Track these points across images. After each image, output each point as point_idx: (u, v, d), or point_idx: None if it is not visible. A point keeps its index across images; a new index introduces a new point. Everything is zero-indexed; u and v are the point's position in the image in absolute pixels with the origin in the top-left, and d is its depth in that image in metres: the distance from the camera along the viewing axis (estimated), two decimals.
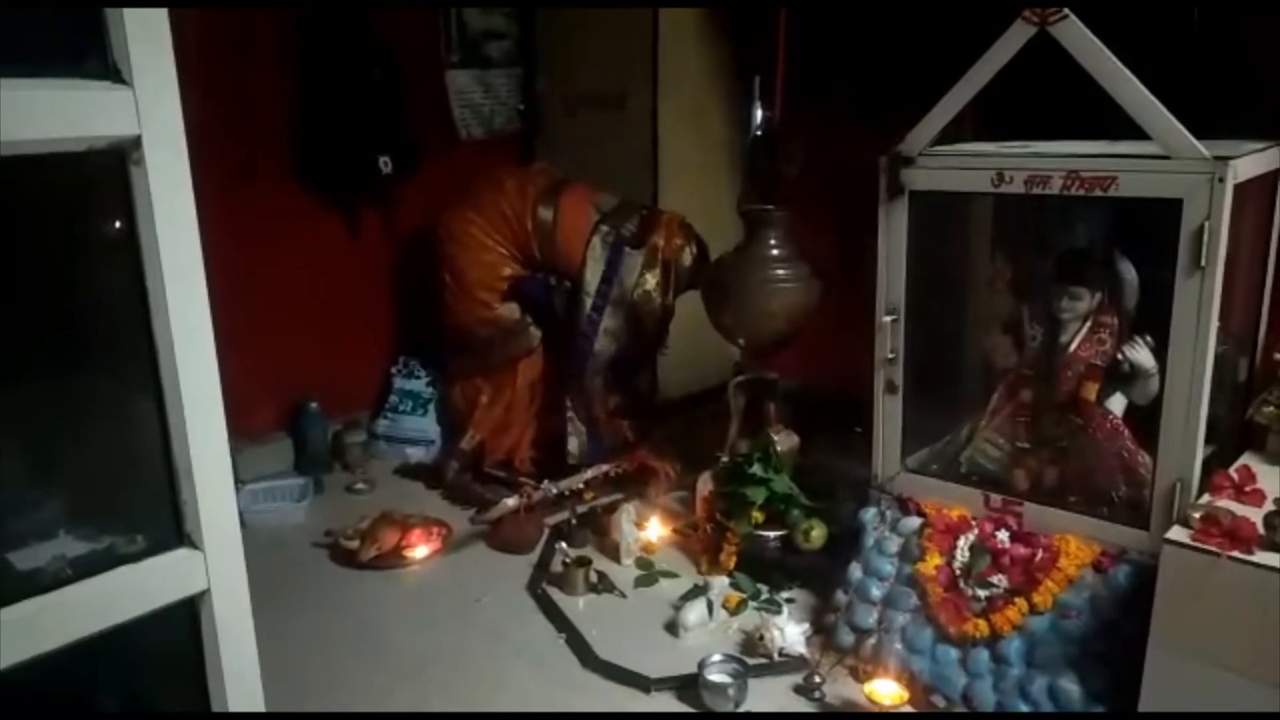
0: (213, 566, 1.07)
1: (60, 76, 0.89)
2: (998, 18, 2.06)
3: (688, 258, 3.20)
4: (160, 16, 0.92)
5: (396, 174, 3.55)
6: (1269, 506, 1.82)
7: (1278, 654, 1.68)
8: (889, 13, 3.14)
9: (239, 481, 3.15)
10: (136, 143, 0.93)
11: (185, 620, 1.09)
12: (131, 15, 0.90)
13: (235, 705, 1.12)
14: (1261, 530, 1.76)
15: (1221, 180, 1.82)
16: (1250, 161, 1.97)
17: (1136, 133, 1.93)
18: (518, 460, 3.44)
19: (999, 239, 2.56)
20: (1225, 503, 1.91)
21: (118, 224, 0.97)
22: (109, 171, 0.94)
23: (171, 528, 1.06)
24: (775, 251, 2.81)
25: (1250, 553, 1.73)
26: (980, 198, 2.35)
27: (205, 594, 1.08)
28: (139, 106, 0.91)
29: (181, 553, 1.06)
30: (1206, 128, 1.91)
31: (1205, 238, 1.84)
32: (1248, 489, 1.96)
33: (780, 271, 2.78)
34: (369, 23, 3.44)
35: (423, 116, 3.69)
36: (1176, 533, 1.83)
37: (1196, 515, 1.83)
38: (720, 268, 2.89)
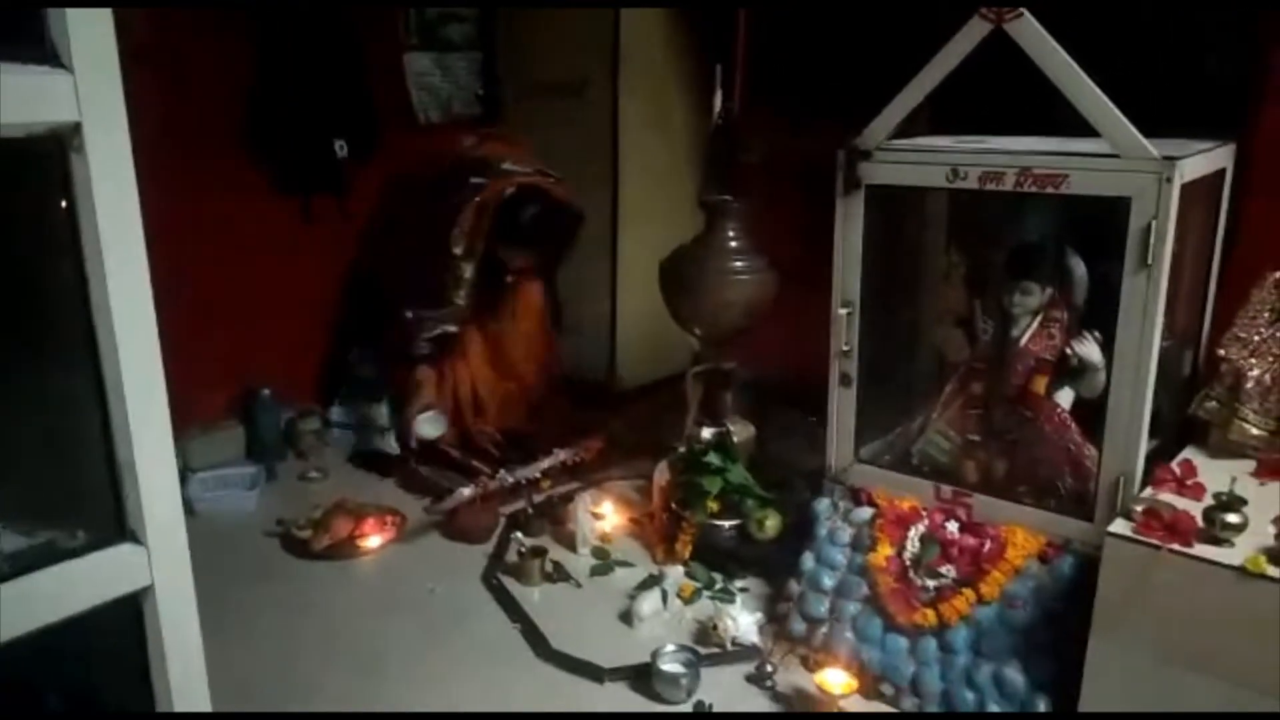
0: (156, 562, 1.06)
1: None
2: (956, 14, 2.08)
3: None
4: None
5: (353, 158, 3.50)
6: (1209, 501, 1.87)
7: (1215, 646, 1.72)
8: (850, 5, 3.15)
9: (189, 469, 3.10)
10: (76, 129, 0.90)
11: (128, 616, 1.07)
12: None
13: (180, 701, 1.11)
14: (1201, 524, 1.80)
15: (1169, 180, 1.86)
16: (1197, 161, 2.01)
17: (1089, 130, 1.96)
18: (481, 439, 3.43)
19: (953, 233, 2.59)
20: (1167, 496, 1.95)
21: (57, 212, 0.95)
22: (48, 158, 0.91)
23: (113, 523, 1.04)
24: (734, 243, 2.81)
25: (1189, 545, 1.77)
26: (935, 192, 2.38)
27: (149, 590, 1.06)
28: (79, 92, 0.89)
29: (124, 548, 1.05)
30: (1156, 125, 1.95)
31: (1152, 236, 1.88)
32: (1189, 483, 2.00)
33: (738, 263, 2.79)
34: (326, 2, 3.38)
35: (380, 99, 3.64)
36: (1119, 525, 1.87)
37: (1139, 508, 1.87)
38: (678, 258, 2.89)
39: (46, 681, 1.14)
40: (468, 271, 3.24)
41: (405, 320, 3.30)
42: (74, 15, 0.87)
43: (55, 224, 0.96)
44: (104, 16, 0.90)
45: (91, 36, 0.89)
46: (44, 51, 0.88)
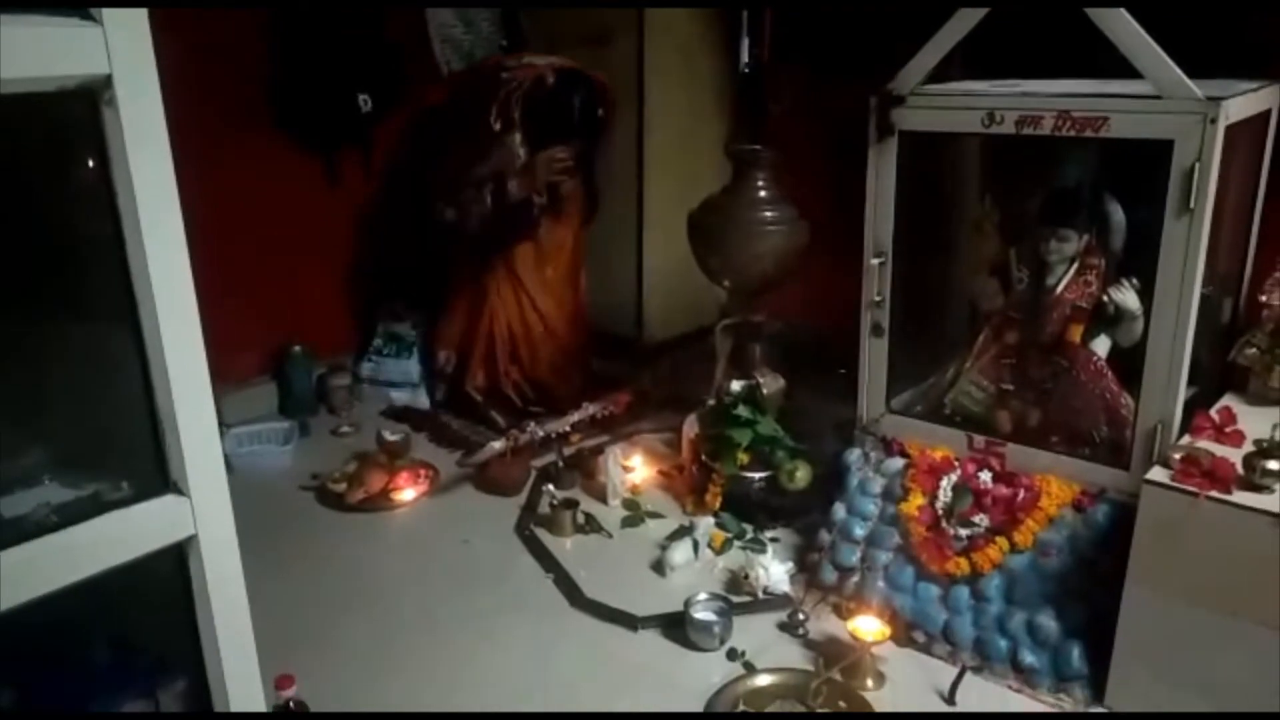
0: (199, 512, 1.07)
1: (25, 12, 0.85)
2: None
3: None
4: None
5: (377, 111, 3.48)
6: (1248, 448, 1.84)
7: (1253, 592, 1.71)
8: None
9: (224, 425, 3.14)
10: (107, 82, 0.90)
11: (174, 566, 1.09)
12: None
13: (226, 649, 1.13)
14: (1240, 471, 1.78)
15: (1213, 121, 1.81)
16: (1242, 102, 1.95)
17: (1128, 71, 1.91)
18: (507, 385, 3.44)
19: (987, 180, 2.54)
20: (1205, 444, 1.93)
21: (92, 167, 0.95)
22: (81, 112, 0.91)
23: (157, 474, 1.06)
24: (763, 193, 2.77)
25: (1229, 493, 1.75)
26: (970, 138, 2.33)
27: (193, 539, 1.08)
28: (109, 44, 0.88)
29: (168, 499, 1.06)
30: (1198, 66, 1.89)
31: (1195, 179, 1.84)
32: (1228, 430, 1.98)
33: (768, 213, 2.75)
34: None
35: (403, 52, 3.60)
36: (1156, 473, 1.85)
37: (1177, 456, 1.85)
38: (707, 209, 2.86)
39: (95, 630, 1.16)
40: (517, 144, 3.15)
41: (464, 190, 3.17)
42: None
43: (90, 179, 0.96)
44: None
45: None
46: (72, 2, 0.88)
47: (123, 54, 0.90)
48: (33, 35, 0.85)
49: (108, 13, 0.88)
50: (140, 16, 0.91)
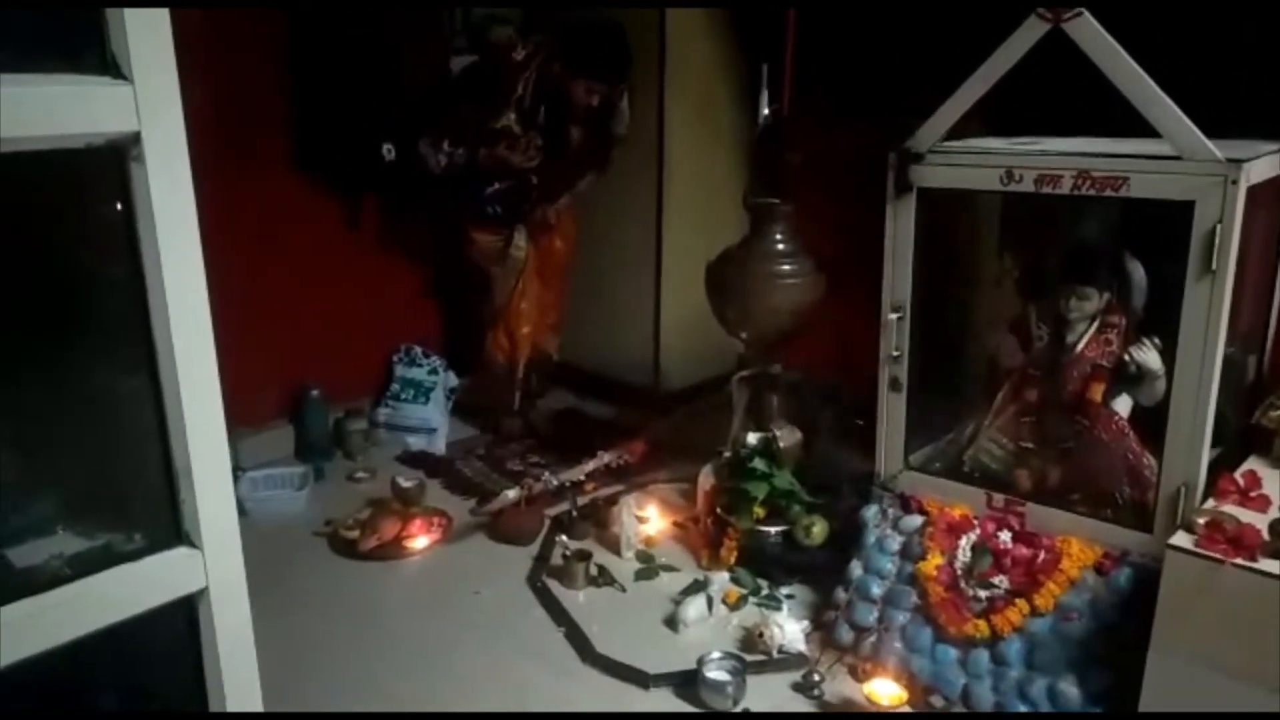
0: (211, 565, 1.07)
1: (58, 72, 0.87)
2: (1011, 12, 2.04)
3: None
4: (161, 12, 0.90)
5: (401, 161, 3.52)
6: (1273, 513, 1.81)
7: (1279, 661, 1.67)
8: (900, 4, 3.10)
9: (239, 469, 3.14)
10: (136, 139, 0.91)
11: (184, 618, 1.08)
12: (131, 10, 0.88)
13: (233, 702, 1.12)
14: (1266, 537, 1.75)
15: (1234, 183, 1.80)
16: (1264, 163, 1.95)
17: (1148, 130, 1.91)
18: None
19: (1007, 237, 2.54)
20: (1230, 508, 1.90)
21: (116, 220, 0.96)
22: (108, 167, 0.92)
23: (170, 526, 1.05)
24: (780, 245, 2.78)
25: (1254, 560, 1.72)
26: (989, 195, 2.34)
27: (204, 592, 1.07)
28: (139, 103, 0.90)
29: (180, 551, 1.05)
30: (1219, 126, 1.89)
31: (1216, 241, 1.83)
32: (1253, 494, 1.95)
33: (785, 266, 2.76)
34: (369, 7, 3.41)
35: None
36: (1180, 538, 1.82)
37: (1201, 521, 1.82)
38: (724, 261, 2.87)
39: (103, 682, 1.15)
40: (506, 118, 3.28)
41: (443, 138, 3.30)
42: (134, 27, 0.88)
43: (113, 230, 0.97)
44: (164, 29, 0.90)
45: (151, 47, 0.89)
46: (104, 62, 0.89)
47: (152, 112, 0.91)
48: (64, 94, 0.87)
49: (139, 72, 0.89)
50: (170, 74, 0.92)
